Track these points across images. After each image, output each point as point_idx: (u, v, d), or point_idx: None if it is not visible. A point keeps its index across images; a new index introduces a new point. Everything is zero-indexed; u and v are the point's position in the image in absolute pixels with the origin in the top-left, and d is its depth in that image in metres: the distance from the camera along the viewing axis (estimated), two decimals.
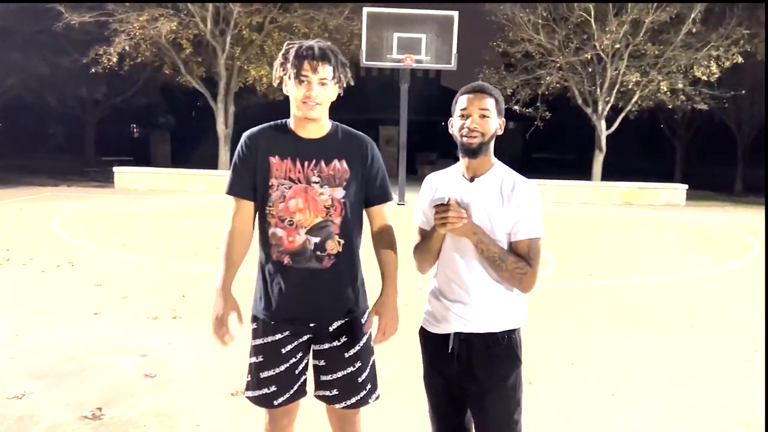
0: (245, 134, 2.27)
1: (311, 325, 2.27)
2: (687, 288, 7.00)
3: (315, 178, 2.20)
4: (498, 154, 2.17)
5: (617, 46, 17.30)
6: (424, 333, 2.25)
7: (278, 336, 2.27)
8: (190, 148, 27.17)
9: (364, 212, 2.35)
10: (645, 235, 11.32)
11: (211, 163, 18.39)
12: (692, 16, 16.75)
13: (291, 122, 2.25)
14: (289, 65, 2.12)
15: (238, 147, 2.26)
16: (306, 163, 2.20)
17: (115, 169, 17.07)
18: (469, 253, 2.07)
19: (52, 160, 26.16)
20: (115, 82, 22.92)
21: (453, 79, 29.19)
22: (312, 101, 2.12)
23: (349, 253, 2.27)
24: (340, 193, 2.22)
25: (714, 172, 27.36)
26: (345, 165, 2.24)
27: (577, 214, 14.04)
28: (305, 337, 2.29)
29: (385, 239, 2.35)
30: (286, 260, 2.23)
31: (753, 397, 3.89)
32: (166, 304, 5.60)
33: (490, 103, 2.06)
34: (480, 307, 2.08)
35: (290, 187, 2.20)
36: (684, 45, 17.33)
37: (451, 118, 2.13)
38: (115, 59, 16.37)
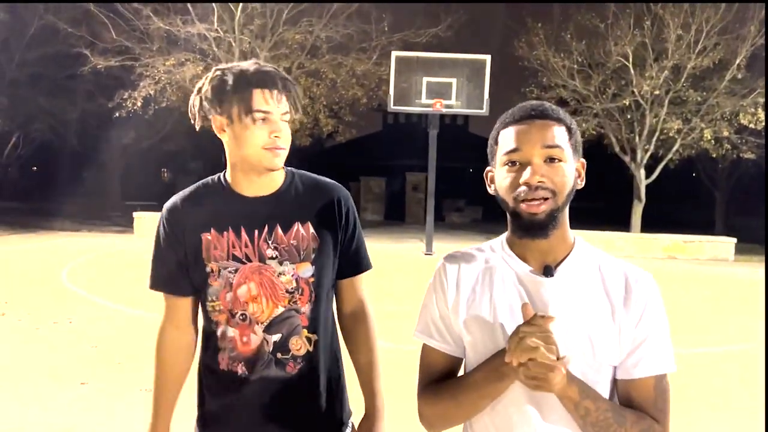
0: (165, 206, 1.60)
1: None
2: (758, 361, 6.06)
3: (271, 252, 1.52)
4: None
5: (657, 92, 16.60)
6: None
7: None
8: None
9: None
10: (699, 295, 10.36)
11: None
12: (737, 61, 16.05)
13: (228, 176, 1.60)
14: (231, 98, 1.46)
15: (158, 224, 1.60)
16: (256, 232, 1.53)
17: (135, 214, 16.65)
18: (557, 410, 1.14)
19: (79, 204, 26.12)
20: (143, 126, 22.94)
21: (482, 125, 28.69)
22: (279, 145, 1.48)
23: (322, 351, 1.59)
24: (307, 270, 1.55)
25: (758, 225, 26.11)
26: (312, 230, 1.55)
27: None
28: None
29: (359, 328, 1.67)
30: (240, 370, 1.55)
31: None
32: (141, 372, 4.91)
33: (560, 135, 1.16)
34: None
35: (237, 270, 1.52)
36: (728, 92, 16.56)
37: (489, 169, 1.25)
38: (139, 103, 16.17)
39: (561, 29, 17.72)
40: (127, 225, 17.37)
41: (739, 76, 16.33)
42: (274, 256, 1.53)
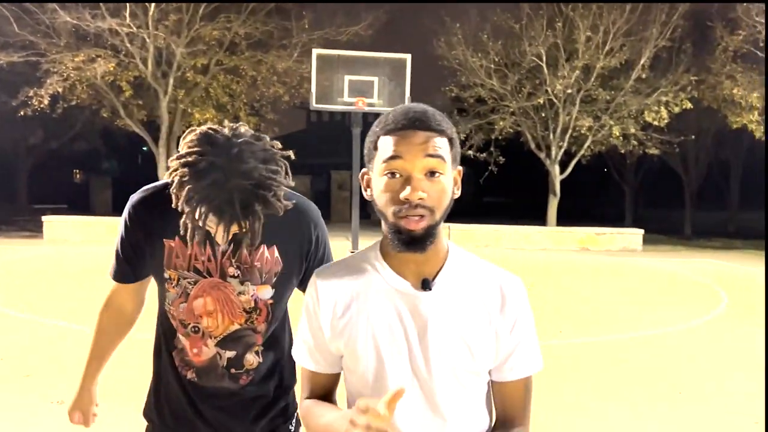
0: (131, 200, 1.52)
1: None
2: (667, 346, 6.46)
3: (233, 271, 1.50)
4: None
5: (569, 91, 17.32)
6: None
7: None
8: None
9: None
10: (610, 285, 10.91)
11: None
12: (641, 62, 16.97)
13: None
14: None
15: (122, 217, 1.52)
16: (219, 248, 1.49)
17: (45, 218, 15.78)
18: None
19: None
20: (51, 125, 21.79)
21: None
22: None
23: (276, 362, 1.62)
24: (267, 292, 1.53)
25: (662, 216, 27.77)
26: (276, 254, 1.52)
27: (536, 262, 13.60)
28: None
29: None
30: (189, 375, 1.56)
31: None
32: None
33: (442, 146, 1.12)
34: None
35: (196, 282, 1.49)
36: (634, 91, 17.51)
37: (365, 171, 1.20)
38: (46, 101, 15.32)
39: (478, 29, 18.18)
40: (35, 230, 16.44)
41: (644, 76, 17.32)
42: (235, 275, 1.51)
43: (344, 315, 1.20)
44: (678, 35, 17.32)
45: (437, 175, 1.10)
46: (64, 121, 20.39)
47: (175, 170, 1.33)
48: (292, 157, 1.44)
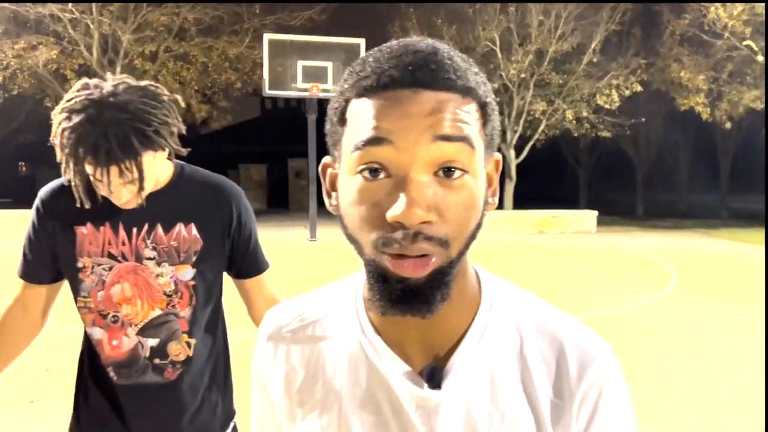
0: (40, 192, 1.47)
1: None
2: (622, 323, 6.59)
3: (149, 252, 1.44)
4: None
5: (523, 75, 17.49)
6: None
7: None
8: None
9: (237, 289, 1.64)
10: (566, 266, 11.08)
11: None
12: (592, 46, 17.24)
13: None
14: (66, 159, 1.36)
15: (32, 212, 1.47)
16: (134, 230, 1.43)
17: None
18: None
19: None
20: None
21: None
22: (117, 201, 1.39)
23: (205, 355, 1.53)
24: (187, 273, 1.46)
25: (615, 198, 28.45)
26: (194, 232, 1.46)
27: (496, 244, 13.73)
28: None
29: None
30: (111, 373, 1.47)
31: None
32: (24, 383, 4.49)
33: (467, 118, 0.59)
34: None
35: (111, 268, 1.43)
36: (586, 74, 17.80)
37: (327, 162, 0.69)
38: None
39: (432, 14, 18.16)
40: None
41: (595, 60, 17.62)
42: (152, 256, 1.45)
43: (305, 401, 0.72)
44: (627, 19, 17.65)
45: (458, 174, 0.59)
46: (5, 112, 19.64)
47: (56, 121, 1.30)
48: (182, 103, 1.43)
